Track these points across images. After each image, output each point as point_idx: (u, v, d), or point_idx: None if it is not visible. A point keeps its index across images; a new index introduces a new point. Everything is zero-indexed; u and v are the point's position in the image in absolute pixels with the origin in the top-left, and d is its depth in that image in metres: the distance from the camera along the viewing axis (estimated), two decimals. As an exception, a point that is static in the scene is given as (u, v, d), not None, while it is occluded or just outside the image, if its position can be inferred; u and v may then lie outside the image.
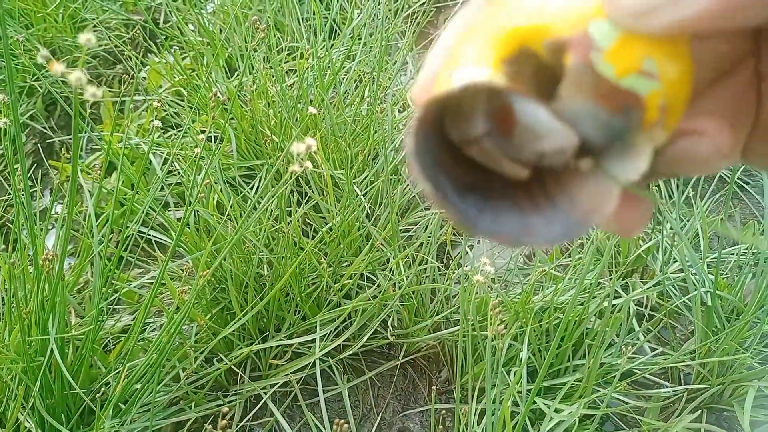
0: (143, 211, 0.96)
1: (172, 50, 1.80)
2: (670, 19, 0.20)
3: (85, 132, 1.54)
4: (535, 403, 1.05)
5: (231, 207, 1.16)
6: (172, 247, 0.84)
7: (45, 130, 1.60)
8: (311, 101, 1.51)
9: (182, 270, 1.21)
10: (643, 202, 0.24)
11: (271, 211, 1.18)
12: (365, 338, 1.08)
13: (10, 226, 1.39)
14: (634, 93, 0.21)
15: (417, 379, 1.22)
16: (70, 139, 1.59)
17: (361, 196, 1.25)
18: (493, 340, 0.78)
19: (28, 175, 1.54)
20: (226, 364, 1.03)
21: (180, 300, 0.85)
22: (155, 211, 1.09)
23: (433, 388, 1.11)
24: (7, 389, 0.84)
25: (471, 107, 0.23)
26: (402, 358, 1.19)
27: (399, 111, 1.68)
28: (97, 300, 0.94)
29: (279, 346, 1.10)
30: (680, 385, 1.18)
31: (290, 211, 1.25)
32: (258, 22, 1.12)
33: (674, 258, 1.31)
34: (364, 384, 1.19)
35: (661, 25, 0.20)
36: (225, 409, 0.91)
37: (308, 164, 0.63)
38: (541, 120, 0.22)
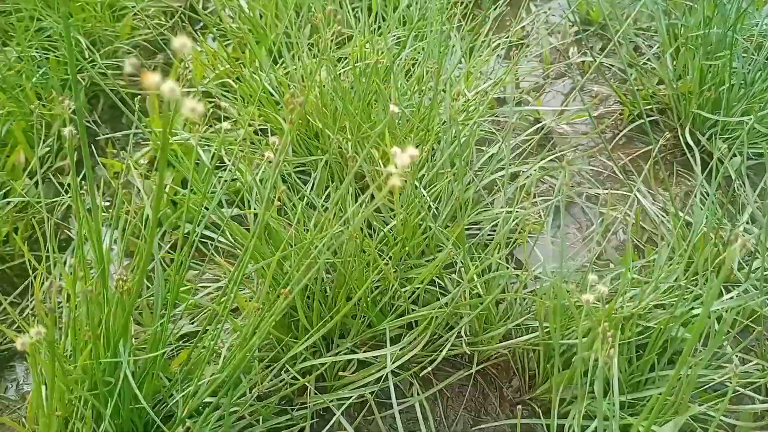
0: (209, 213, 0.90)
1: (215, 38, 1.73)
2: None
3: (133, 128, 1.49)
4: (624, 418, 0.99)
5: (291, 208, 1.11)
6: (243, 263, 0.78)
7: (89, 125, 1.55)
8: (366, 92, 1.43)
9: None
10: None
11: (335, 213, 1.11)
12: (444, 351, 1.02)
13: (62, 224, 1.35)
14: None
15: (487, 388, 1.16)
16: (116, 134, 1.54)
17: (426, 195, 1.18)
18: (588, 361, 0.72)
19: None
20: (295, 377, 0.97)
21: (255, 316, 0.79)
22: (217, 213, 1.03)
23: (514, 406, 1.04)
24: (76, 412, 0.79)
25: None
26: (473, 368, 1.13)
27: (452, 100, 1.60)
28: (159, 314, 0.89)
29: (349, 359, 1.04)
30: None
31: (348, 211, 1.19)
32: (322, 14, 1.05)
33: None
34: (432, 394, 1.13)
35: None
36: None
37: (397, 182, 0.56)
38: None
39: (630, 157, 1.69)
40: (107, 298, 0.74)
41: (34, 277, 1.02)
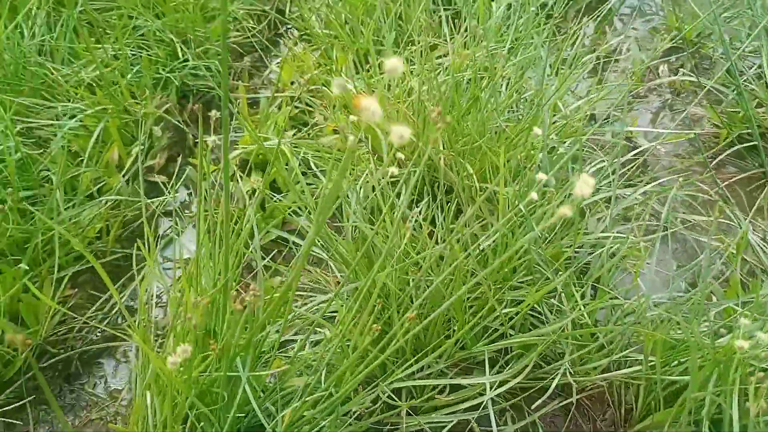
0: (316, 233, 0.88)
1: (297, 41, 1.73)
2: None
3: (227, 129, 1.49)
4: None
5: (384, 220, 1.08)
6: (363, 286, 0.76)
7: (178, 124, 1.56)
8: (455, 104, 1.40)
9: (328, 278, 1.14)
10: None
11: (431, 229, 1.09)
12: (554, 383, 0.98)
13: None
14: None
15: (580, 419, 1.11)
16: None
17: (526, 212, 1.14)
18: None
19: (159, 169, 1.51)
20: (391, 397, 0.95)
21: (370, 336, 0.77)
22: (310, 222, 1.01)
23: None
24: (184, 419, 0.79)
25: None
26: (570, 398, 1.08)
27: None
28: (261, 324, 0.88)
29: (443, 382, 1.01)
30: None
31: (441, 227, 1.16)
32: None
33: None
34: (524, 425, 1.09)
35: None
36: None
37: (568, 212, 0.53)
38: None
39: (726, 182, 1.61)
40: (225, 312, 0.73)
41: (138, 273, 1.02)
